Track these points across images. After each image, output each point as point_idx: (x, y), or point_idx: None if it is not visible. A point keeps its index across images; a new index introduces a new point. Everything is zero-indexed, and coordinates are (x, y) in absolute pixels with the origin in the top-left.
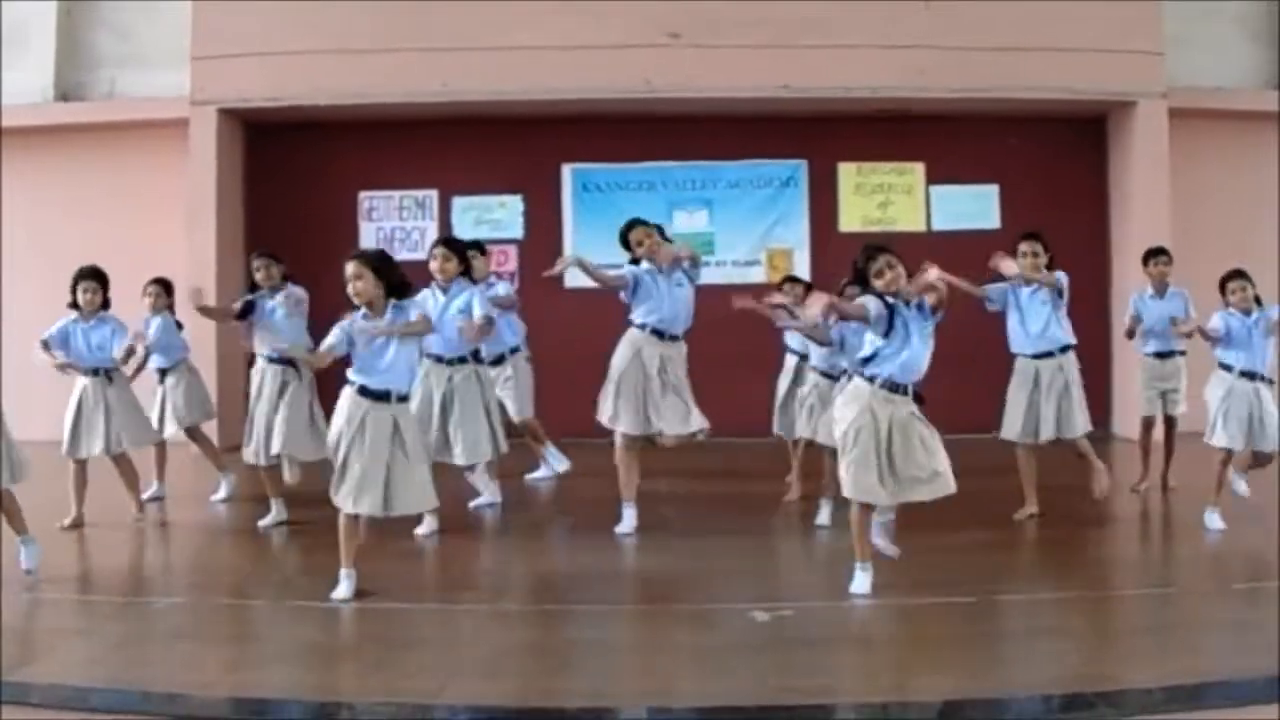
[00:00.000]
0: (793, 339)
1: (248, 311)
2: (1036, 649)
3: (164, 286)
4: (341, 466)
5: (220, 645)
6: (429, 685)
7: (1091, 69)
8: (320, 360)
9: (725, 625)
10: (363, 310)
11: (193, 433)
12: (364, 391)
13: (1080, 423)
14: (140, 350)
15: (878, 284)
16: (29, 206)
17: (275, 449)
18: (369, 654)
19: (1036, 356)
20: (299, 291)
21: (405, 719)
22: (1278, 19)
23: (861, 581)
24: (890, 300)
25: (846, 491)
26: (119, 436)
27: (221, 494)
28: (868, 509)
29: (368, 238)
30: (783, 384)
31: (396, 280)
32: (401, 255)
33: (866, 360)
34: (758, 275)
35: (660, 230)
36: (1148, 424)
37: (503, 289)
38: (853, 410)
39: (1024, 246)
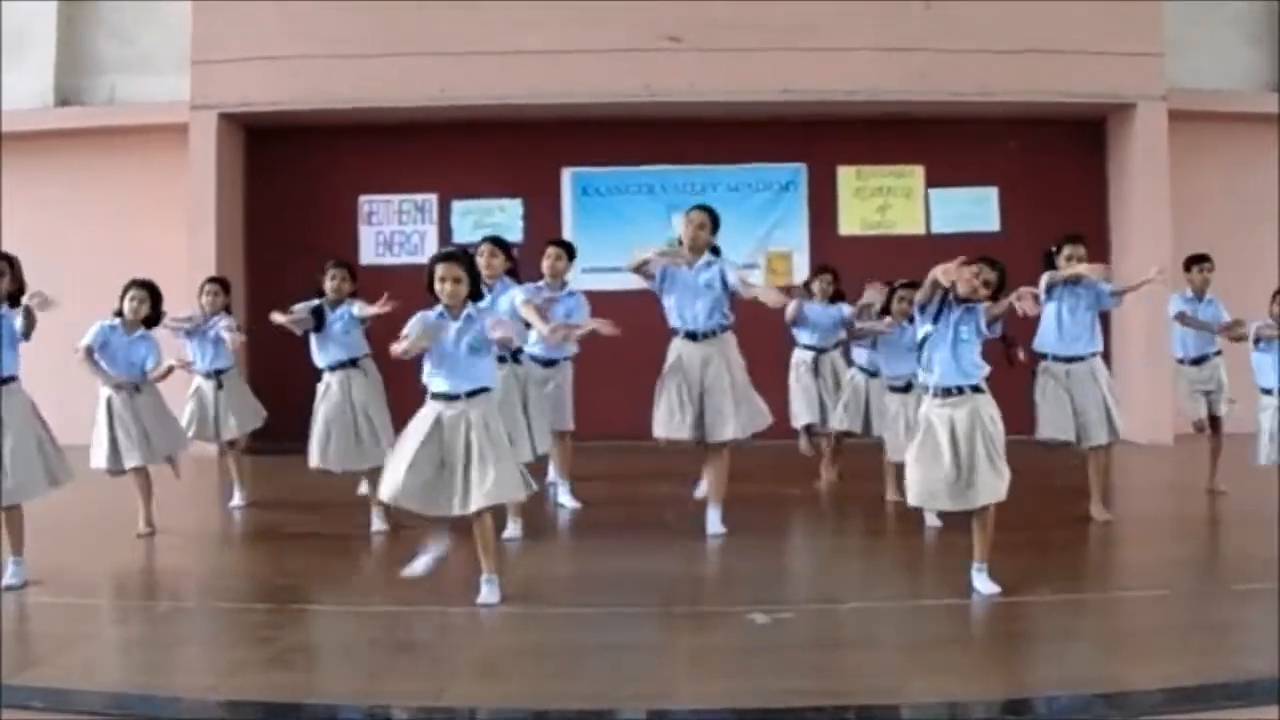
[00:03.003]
0: (804, 334)
1: (321, 322)
2: (1039, 651)
3: (222, 285)
4: (398, 465)
5: (223, 649)
6: (428, 688)
7: (1091, 71)
8: (408, 351)
9: (725, 628)
10: (439, 309)
11: (235, 442)
12: (435, 394)
13: None
14: (175, 368)
15: (963, 286)
16: (29, 211)
17: (371, 462)
18: (369, 657)
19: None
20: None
21: None
22: (1276, 22)
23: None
24: (948, 299)
25: (912, 501)
26: (156, 447)
27: (237, 501)
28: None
29: (367, 241)
30: (793, 377)
31: (479, 285)
32: (401, 259)
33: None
34: (757, 279)
35: (714, 220)
36: (1199, 427)
37: (585, 313)
38: (920, 420)
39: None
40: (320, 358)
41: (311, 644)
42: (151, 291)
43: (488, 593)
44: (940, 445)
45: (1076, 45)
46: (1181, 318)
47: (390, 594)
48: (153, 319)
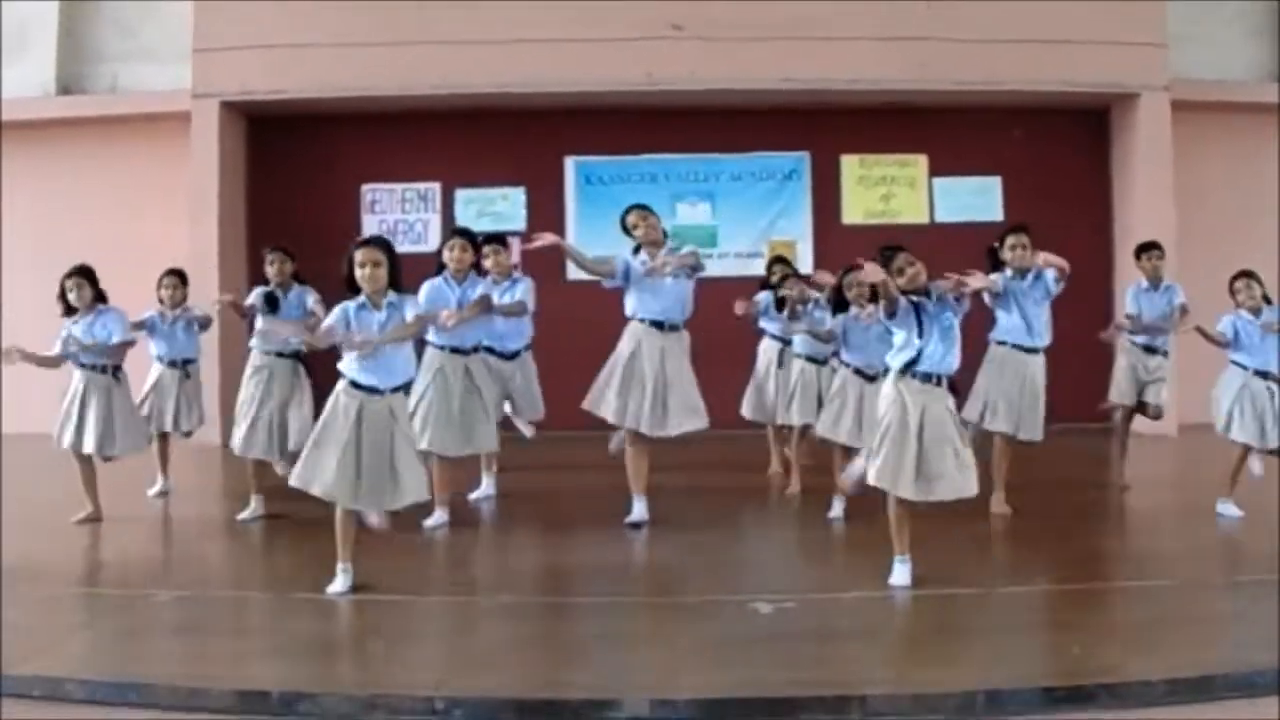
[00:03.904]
0: (774, 324)
1: (274, 306)
2: (1039, 641)
3: (180, 278)
4: (325, 456)
5: (222, 638)
6: (430, 678)
7: (1095, 61)
8: (320, 341)
9: (727, 617)
10: (361, 299)
11: (190, 434)
12: (356, 385)
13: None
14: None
15: (899, 281)
16: (30, 200)
17: (293, 446)
18: (370, 647)
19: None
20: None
21: (407, 711)
22: (1277, 13)
23: (901, 574)
24: (914, 297)
25: (873, 479)
26: (113, 441)
27: (159, 488)
28: (903, 502)
29: (370, 230)
30: (761, 368)
31: (399, 273)
32: (404, 248)
33: (899, 355)
34: (760, 268)
35: (650, 210)
36: (1128, 414)
37: (521, 292)
38: (885, 403)
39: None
40: (263, 342)
41: (309, 633)
42: (86, 274)
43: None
44: (909, 428)
45: (1080, 35)
46: (1131, 322)
47: (390, 583)
48: (100, 296)
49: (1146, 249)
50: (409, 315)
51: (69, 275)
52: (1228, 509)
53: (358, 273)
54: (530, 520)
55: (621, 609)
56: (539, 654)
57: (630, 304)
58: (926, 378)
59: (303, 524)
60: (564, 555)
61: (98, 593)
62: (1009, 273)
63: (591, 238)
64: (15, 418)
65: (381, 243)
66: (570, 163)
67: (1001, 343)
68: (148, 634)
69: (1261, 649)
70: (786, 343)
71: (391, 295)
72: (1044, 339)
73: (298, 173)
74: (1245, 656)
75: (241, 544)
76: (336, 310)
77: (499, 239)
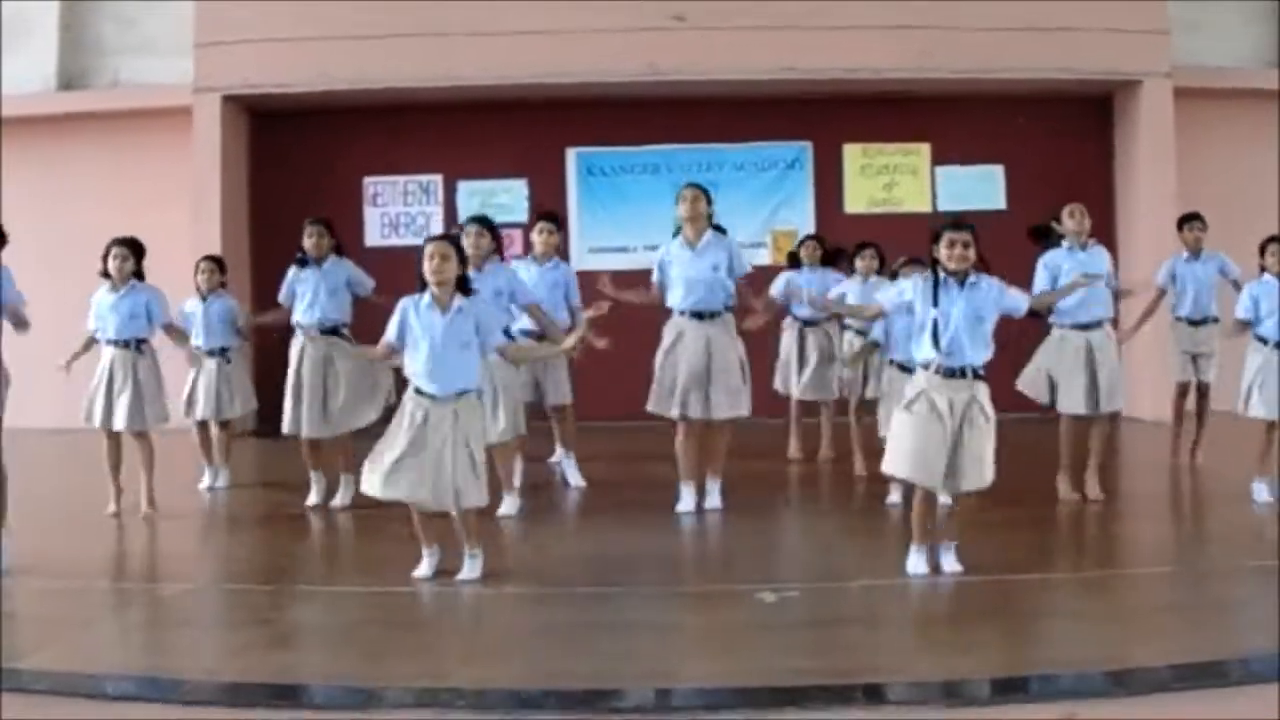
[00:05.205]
0: (800, 307)
1: (292, 296)
2: (1045, 628)
3: (218, 264)
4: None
5: (226, 630)
6: (432, 669)
7: (1097, 49)
8: (381, 355)
9: (732, 606)
10: (427, 299)
11: (229, 423)
12: (419, 391)
13: None
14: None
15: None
16: (32, 195)
17: (342, 427)
18: (375, 637)
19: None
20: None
21: (410, 702)
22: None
23: (917, 562)
24: (939, 276)
25: (901, 471)
26: (144, 413)
27: (208, 482)
28: (928, 494)
29: (373, 223)
30: (785, 350)
31: (467, 273)
32: (406, 241)
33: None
34: (763, 257)
35: (708, 195)
36: (1183, 389)
37: (571, 283)
38: (911, 396)
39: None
40: (306, 314)
41: (314, 625)
42: (133, 247)
43: (469, 568)
44: (937, 422)
45: (1081, 23)
46: (1156, 293)
47: (392, 575)
48: (140, 274)
49: (1188, 219)
50: (484, 319)
51: (117, 243)
52: (1260, 492)
53: (425, 264)
54: (533, 510)
55: (625, 598)
56: (542, 643)
57: (670, 296)
58: (951, 373)
59: (301, 515)
60: (566, 545)
61: (98, 586)
62: (1066, 244)
63: (594, 229)
64: (19, 412)
65: (453, 240)
66: (572, 154)
67: (1060, 325)
68: (151, 626)
69: (1264, 633)
70: (809, 324)
71: (459, 300)
72: (1097, 312)
73: (300, 166)
74: (1248, 642)
75: (245, 536)
76: (397, 312)
77: (555, 218)
